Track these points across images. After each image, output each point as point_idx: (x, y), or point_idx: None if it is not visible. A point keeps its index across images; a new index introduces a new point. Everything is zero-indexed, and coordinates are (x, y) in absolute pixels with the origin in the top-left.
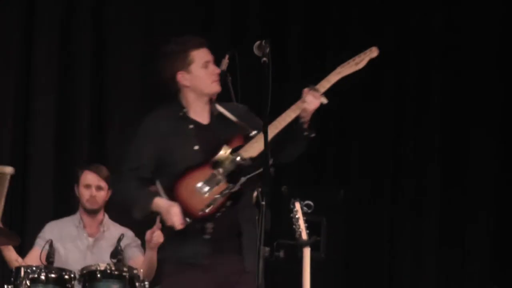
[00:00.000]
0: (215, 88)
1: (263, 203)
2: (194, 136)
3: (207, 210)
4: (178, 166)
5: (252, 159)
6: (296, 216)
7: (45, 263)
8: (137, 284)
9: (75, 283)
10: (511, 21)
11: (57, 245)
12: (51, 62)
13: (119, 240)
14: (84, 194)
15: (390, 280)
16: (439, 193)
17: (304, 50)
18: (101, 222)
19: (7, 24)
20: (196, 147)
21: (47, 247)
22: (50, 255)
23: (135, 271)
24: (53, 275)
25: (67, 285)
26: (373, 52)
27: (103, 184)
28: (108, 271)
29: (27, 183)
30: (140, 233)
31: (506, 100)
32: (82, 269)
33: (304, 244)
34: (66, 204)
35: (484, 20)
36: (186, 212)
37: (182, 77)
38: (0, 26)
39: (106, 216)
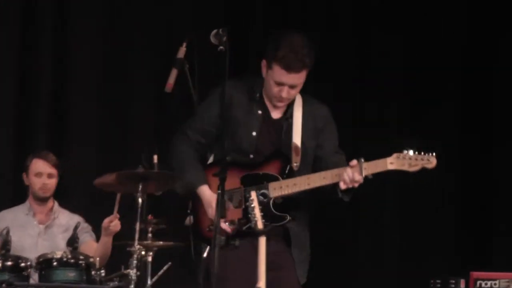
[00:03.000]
0: (276, 105)
1: (219, 191)
2: (257, 123)
3: (207, 229)
4: (229, 145)
5: (277, 203)
6: (252, 205)
7: (1, 251)
8: (93, 272)
9: (32, 270)
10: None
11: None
12: (12, 44)
13: (76, 228)
14: (36, 182)
15: (352, 266)
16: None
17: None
18: (51, 209)
19: None
20: (254, 134)
21: (4, 235)
22: (7, 243)
23: (91, 259)
24: (9, 263)
25: (23, 273)
26: (431, 163)
27: (53, 171)
28: (65, 259)
29: None
30: (90, 219)
31: None
32: (39, 257)
33: (260, 233)
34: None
35: None
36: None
37: (263, 66)
38: None
39: (56, 203)
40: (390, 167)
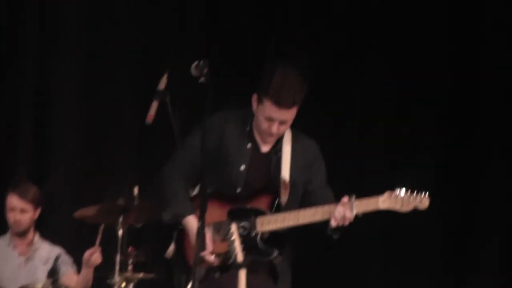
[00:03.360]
0: (264, 140)
1: (200, 223)
2: (246, 156)
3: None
4: (217, 177)
5: (264, 238)
6: (232, 238)
7: None
8: None
9: None
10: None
11: None
12: None
13: (57, 259)
14: (9, 217)
15: None
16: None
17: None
18: (31, 241)
19: None
20: (242, 168)
21: None
22: None
23: None
24: None
25: None
26: (423, 205)
27: (27, 206)
28: None
29: None
30: (71, 250)
31: None
32: None
33: (239, 266)
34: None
35: None
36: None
37: (254, 100)
38: None
39: (37, 235)
40: (382, 206)
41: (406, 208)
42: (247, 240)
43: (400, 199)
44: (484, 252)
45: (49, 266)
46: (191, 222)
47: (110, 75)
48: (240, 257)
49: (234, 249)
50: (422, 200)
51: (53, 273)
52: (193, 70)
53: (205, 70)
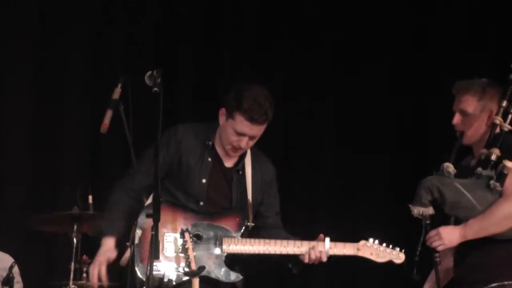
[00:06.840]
0: (229, 153)
1: (153, 233)
2: (207, 169)
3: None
4: (178, 187)
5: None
6: (185, 247)
7: None
8: None
9: None
10: None
11: None
12: None
13: (11, 267)
14: None
15: None
16: None
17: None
18: None
19: None
20: (204, 181)
21: None
22: None
23: None
24: None
25: None
26: (400, 259)
27: None
28: None
29: None
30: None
31: None
32: None
33: (193, 274)
34: None
35: None
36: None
37: (221, 114)
38: None
39: None
40: (358, 253)
41: (381, 259)
42: (209, 255)
43: (374, 250)
44: None
45: (3, 275)
46: (107, 242)
47: (63, 83)
48: (193, 265)
49: (187, 257)
50: (399, 255)
51: (8, 281)
52: (147, 79)
53: (159, 80)
